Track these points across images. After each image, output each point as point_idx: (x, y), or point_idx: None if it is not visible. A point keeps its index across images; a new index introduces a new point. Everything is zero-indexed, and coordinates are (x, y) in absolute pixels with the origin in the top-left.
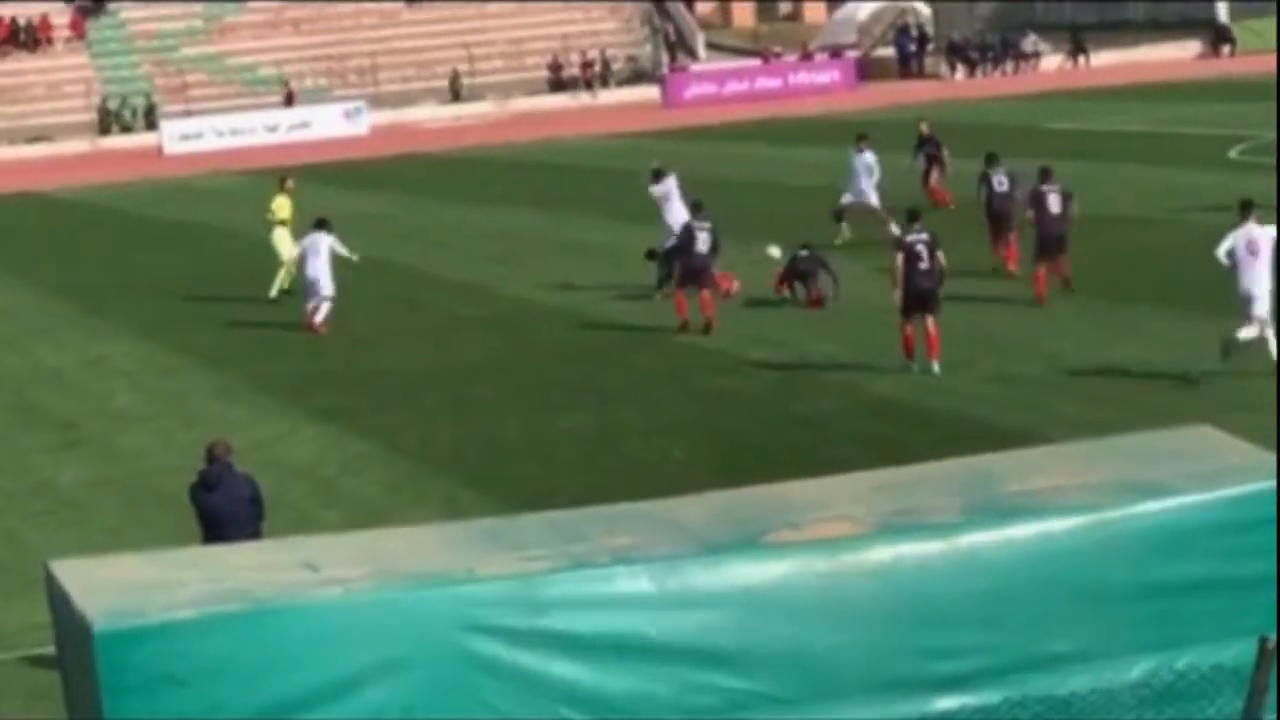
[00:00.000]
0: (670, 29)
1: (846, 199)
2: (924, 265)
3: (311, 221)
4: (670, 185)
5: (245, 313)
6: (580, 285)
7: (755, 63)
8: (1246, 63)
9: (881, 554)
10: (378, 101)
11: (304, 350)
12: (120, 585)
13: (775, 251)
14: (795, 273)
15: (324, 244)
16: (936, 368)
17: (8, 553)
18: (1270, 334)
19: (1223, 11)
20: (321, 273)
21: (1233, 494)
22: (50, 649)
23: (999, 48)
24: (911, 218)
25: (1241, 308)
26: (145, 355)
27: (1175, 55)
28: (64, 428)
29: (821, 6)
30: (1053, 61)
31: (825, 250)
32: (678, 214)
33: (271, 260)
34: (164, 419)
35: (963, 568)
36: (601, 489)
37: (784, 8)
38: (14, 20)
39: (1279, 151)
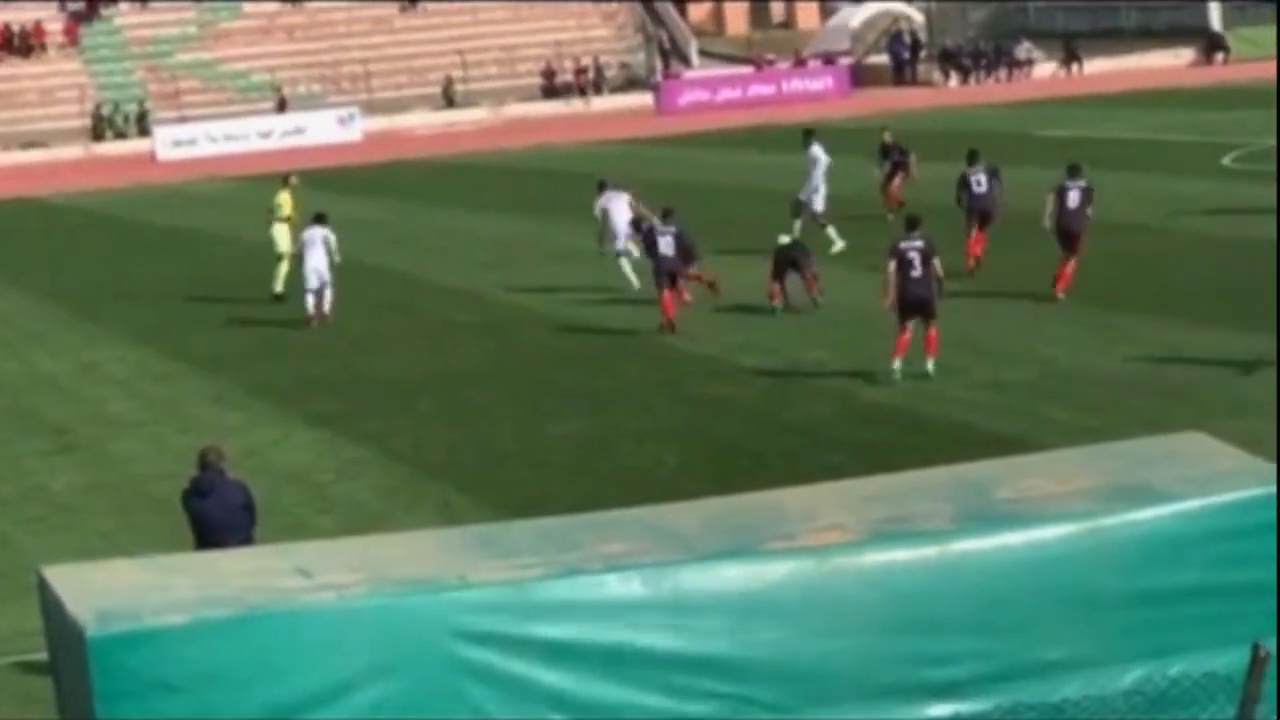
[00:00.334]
0: (663, 36)
1: (801, 196)
2: (915, 273)
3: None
4: (608, 198)
5: (239, 318)
6: (573, 291)
7: (748, 70)
8: (1240, 70)
9: (874, 560)
10: (371, 108)
11: (298, 356)
12: (113, 591)
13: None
14: (786, 263)
15: (319, 237)
16: (930, 366)
17: (0, 558)
18: None
19: (1216, 19)
20: (321, 264)
21: (1225, 501)
22: (42, 654)
23: (992, 55)
24: (910, 225)
25: None
26: (139, 361)
27: (1169, 63)
28: (57, 433)
29: (815, 13)
30: (1046, 69)
31: (820, 259)
32: (619, 222)
33: (269, 261)
34: (157, 424)
35: (956, 575)
36: (594, 495)
37: (777, 15)
38: (8, 26)
39: (1278, 157)
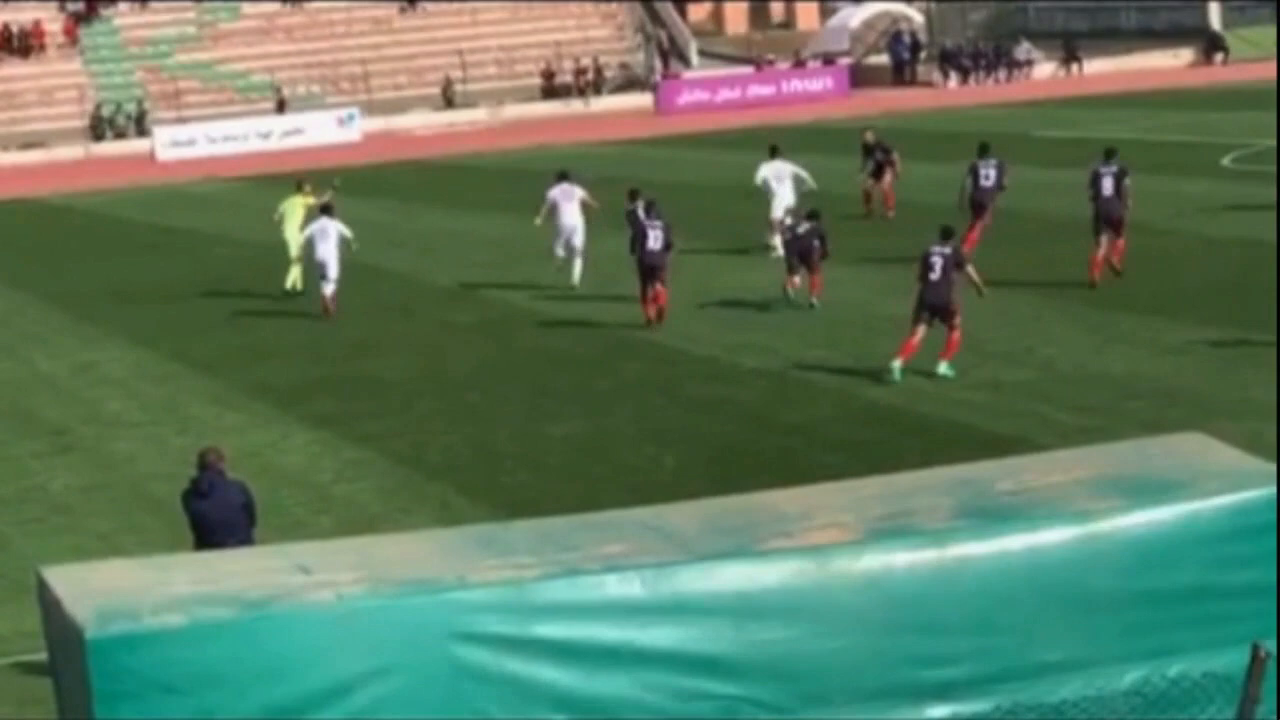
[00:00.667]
0: (663, 36)
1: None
2: (935, 276)
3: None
4: (562, 191)
5: (238, 319)
6: (572, 293)
7: (748, 70)
8: (1239, 71)
9: (873, 561)
10: (370, 108)
11: (297, 357)
12: (112, 591)
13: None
14: (796, 253)
15: (332, 228)
16: (942, 368)
17: None
18: None
19: (1216, 19)
20: (330, 256)
21: (1225, 502)
22: (42, 655)
23: (992, 55)
24: (945, 235)
25: None
26: (138, 361)
27: (1168, 63)
28: (56, 434)
29: (815, 13)
30: (1046, 69)
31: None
32: (568, 215)
33: (268, 261)
34: (156, 425)
35: (955, 575)
36: (594, 495)
37: (777, 15)
38: (7, 26)
39: (1278, 157)
